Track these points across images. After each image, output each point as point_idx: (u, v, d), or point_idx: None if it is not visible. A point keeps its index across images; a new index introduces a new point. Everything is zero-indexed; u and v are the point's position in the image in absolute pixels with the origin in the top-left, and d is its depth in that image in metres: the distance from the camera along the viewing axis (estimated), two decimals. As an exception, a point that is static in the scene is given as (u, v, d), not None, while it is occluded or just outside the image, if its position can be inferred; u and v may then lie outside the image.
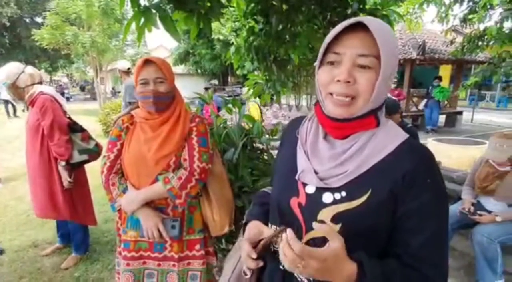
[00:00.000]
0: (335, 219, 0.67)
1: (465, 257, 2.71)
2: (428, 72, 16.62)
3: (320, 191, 0.71)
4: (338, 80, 0.66)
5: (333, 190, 0.69)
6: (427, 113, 9.54)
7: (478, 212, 2.36)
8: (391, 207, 0.66)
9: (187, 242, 1.42)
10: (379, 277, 0.61)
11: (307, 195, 0.72)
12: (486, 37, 7.68)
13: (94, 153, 2.39)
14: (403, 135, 0.71)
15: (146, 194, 1.33)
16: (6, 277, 2.39)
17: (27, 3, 19.36)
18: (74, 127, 2.35)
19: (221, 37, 13.49)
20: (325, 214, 0.68)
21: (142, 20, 1.72)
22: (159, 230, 1.32)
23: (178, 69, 19.53)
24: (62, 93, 15.02)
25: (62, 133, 2.24)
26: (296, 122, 0.85)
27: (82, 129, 2.40)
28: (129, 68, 4.45)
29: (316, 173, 0.71)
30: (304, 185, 0.73)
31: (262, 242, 0.70)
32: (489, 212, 2.35)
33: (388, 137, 0.70)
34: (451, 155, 4.95)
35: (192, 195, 1.35)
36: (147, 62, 1.31)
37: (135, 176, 1.36)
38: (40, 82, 2.33)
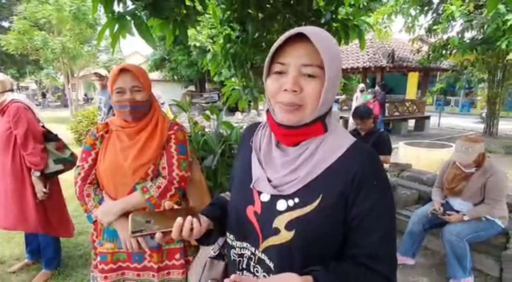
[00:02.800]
0: (289, 226, 0.69)
1: (436, 256, 2.83)
2: (398, 79, 17.40)
3: (274, 198, 0.72)
4: (285, 90, 0.68)
5: (286, 197, 0.70)
6: None
7: (447, 212, 2.49)
8: (343, 208, 0.68)
9: (166, 252, 1.39)
10: None
11: (262, 203, 0.73)
12: (449, 46, 8.21)
13: (69, 163, 2.30)
14: (350, 139, 0.74)
15: (123, 204, 1.29)
16: (-32, 297, 2.23)
17: (-8, 7, 18.40)
18: (48, 136, 2.26)
19: (197, 44, 13.43)
20: (280, 221, 0.70)
21: (116, 26, 1.70)
22: (137, 241, 1.29)
23: (154, 75, 19.18)
24: (30, 101, 14.28)
25: (37, 142, 2.15)
26: (251, 130, 0.86)
27: (56, 138, 2.32)
28: (106, 76, 4.45)
29: (269, 180, 0.73)
30: (259, 193, 0.74)
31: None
32: (457, 212, 2.47)
33: (336, 143, 0.72)
34: (420, 158, 5.18)
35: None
36: (123, 70, 1.28)
37: (112, 186, 1.32)
38: (12, 90, 2.24)
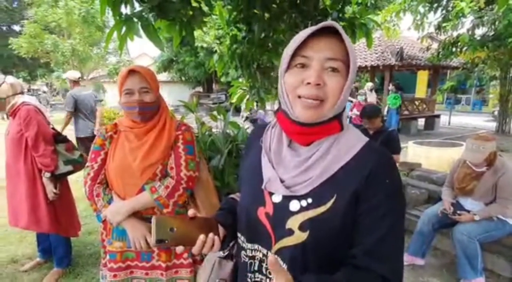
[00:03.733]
0: (303, 226, 0.67)
1: (447, 256, 2.79)
2: (407, 77, 17.18)
3: (286, 199, 0.70)
4: (308, 83, 0.66)
5: (299, 198, 0.69)
6: (388, 120, 9.12)
7: (458, 212, 2.45)
8: (354, 207, 0.67)
9: (175, 251, 1.40)
10: None
11: (274, 204, 0.72)
12: (459, 43, 8.08)
13: (78, 164, 2.34)
14: (363, 140, 0.72)
15: (132, 204, 1.31)
16: (-17, 295, 2.29)
17: (4, 12, 18.88)
18: (58, 138, 2.31)
19: (204, 45, 13.50)
20: (293, 222, 0.68)
21: (124, 29, 1.72)
22: (146, 241, 1.30)
23: (162, 76, 19.35)
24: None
25: (48, 144, 2.19)
26: (260, 130, 0.84)
27: (66, 140, 2.36)
28: (79, 78, 4.73)
29: (282, 181, 0.71)
30: (271, 194, 0.73)
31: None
32: (468, 211, 2.43)
33: (349, 143, 0.71)
34: (430, 157, 5.11)
35: (179, 203, 1.34)
36: (132, 72, 1.30)
37: (121, 186, 1.34)
38: (22, 92, 2.29)
